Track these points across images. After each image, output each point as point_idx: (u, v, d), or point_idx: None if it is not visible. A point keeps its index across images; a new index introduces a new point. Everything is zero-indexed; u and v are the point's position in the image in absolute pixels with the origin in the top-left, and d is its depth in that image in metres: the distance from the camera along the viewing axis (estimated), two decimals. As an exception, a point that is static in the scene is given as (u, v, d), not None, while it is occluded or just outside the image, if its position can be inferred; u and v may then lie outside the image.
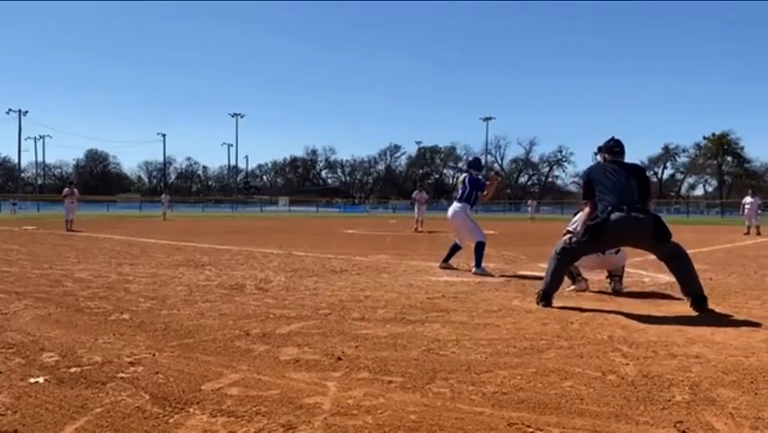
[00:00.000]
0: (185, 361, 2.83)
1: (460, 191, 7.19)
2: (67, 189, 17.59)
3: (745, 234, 17.60)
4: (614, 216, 4.30)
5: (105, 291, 4.96)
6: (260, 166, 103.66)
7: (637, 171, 4.74)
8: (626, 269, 5.58)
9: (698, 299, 4.31)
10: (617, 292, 5.24)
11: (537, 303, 4.52)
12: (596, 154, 5.15)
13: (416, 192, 19.42)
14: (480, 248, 6.73)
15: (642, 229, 4.33)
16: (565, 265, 4.70)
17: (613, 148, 4.79)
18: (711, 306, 4.37)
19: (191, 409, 2.18)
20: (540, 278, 6.05)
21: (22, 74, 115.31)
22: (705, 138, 76.90)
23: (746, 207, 18.96)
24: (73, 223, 16.59)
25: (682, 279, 4.41)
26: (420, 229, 17.60)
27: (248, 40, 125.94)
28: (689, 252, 4.51)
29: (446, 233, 16.36)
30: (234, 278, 5.92)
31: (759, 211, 19.26)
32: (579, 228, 4.78)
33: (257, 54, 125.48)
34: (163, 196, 29.62)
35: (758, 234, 17.57)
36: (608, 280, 5.46)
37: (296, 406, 2.22)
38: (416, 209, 19.05)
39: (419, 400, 2.31)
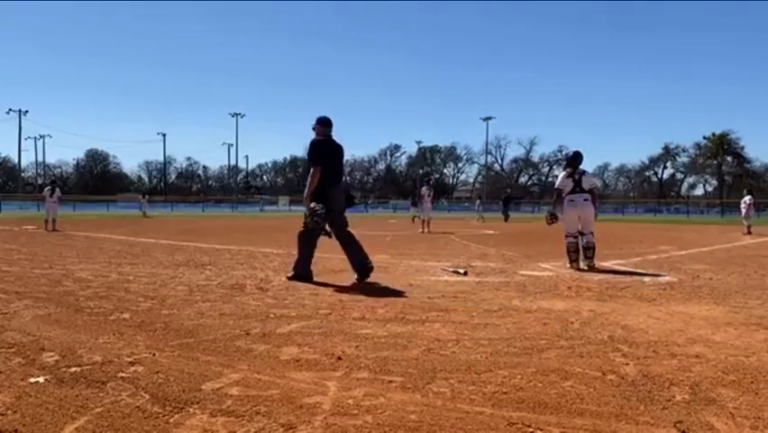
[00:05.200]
0: (185, 361, 2.83)
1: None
2: (48, 189, 17.31)
3: (747, 233, 17.58)
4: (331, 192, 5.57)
5: (106, 291, 4.95)
6: (260, 166, 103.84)
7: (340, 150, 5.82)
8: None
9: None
10: (591, 268, 6.88)
11: (290, 279, 5.56)
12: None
13: (425, 188, 17.43)
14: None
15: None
16: (310, 243, 5.71)
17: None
18: (711, 306, 4.38)
19: (191, 409, 2.18)
20: (540, 278, 6.07)
21: (23, 74, 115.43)
22: (705, 138, 77.01)
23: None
24: (55, 222, 16.12)
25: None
26: (426, 230, 16.20)
27: (248, 40, 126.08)
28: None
29: (446, 233, 16.38)
30: (234, 278, 5.92)
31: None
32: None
33: (257, 54, 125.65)
34: (140, 197, 35.43)
35: (748, 232, 17.59)
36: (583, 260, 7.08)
37: (296, 406, 2.22)
38: (420, 207, 17.29)
39: (419, 400, 2.31)
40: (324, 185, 5.49)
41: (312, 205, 5.50)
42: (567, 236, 7.25)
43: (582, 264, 7.05)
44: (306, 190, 5.56)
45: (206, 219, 28.50)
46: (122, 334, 3.38)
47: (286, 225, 21.53)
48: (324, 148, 5.58)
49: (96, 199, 53.45)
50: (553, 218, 7.62)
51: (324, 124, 5.67)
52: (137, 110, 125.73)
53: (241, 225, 22.16)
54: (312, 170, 5.52)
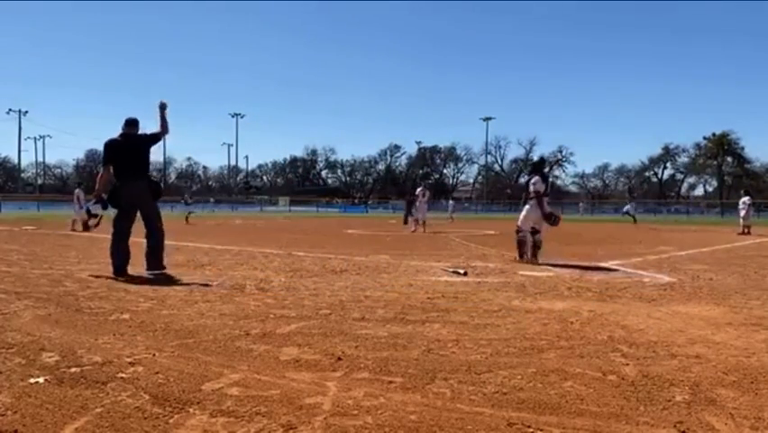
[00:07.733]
0: (185, 361, 2.83)
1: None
2: (79, 190, 17.63)
3: (742, 233, 17.60)
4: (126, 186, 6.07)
5: (105, 291, 4.95)
6: (260, 166, 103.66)
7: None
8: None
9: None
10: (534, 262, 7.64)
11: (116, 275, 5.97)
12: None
13: (419, 189, 17.92)
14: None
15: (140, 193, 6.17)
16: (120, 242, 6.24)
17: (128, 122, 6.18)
18: (711, 306, 4.38)
19: (191, 410, 2.18)
20: (540, 278, 6.06)
21: (22, 74, 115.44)
22: (705, 138, 76.82)
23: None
24: (74, 223, 16.35)
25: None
26: (418, 230, 16.88)
27: (248, 39, 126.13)
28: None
29: (446, 232, 16.38)
30: (234, 278, 5.92)
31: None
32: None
33: (257, 54, 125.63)
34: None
35: (747, 233, 17.63)
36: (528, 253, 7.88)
37: (296, 406, 2.22)
38: (417, 207, 17.79)
39: (419, 400, 2.31)
40: (117, 181, 6.16)
41: (91, 206, 6.41)
42: (520, 231, 8.08)
43: (532, 258, 7.85)
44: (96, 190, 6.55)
45: (206, 219, 28.48)
46: (122, 334, 3.38)
47: (286, 226, 21.55)
48: (111, 148, 6.12)
49: (95, 199, 53.32)
50: (556, 218, 8.30)
51: (126, 125, 6.19)
52: (137, 110, 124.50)
53: (240, 225, 22.13)
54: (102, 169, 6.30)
